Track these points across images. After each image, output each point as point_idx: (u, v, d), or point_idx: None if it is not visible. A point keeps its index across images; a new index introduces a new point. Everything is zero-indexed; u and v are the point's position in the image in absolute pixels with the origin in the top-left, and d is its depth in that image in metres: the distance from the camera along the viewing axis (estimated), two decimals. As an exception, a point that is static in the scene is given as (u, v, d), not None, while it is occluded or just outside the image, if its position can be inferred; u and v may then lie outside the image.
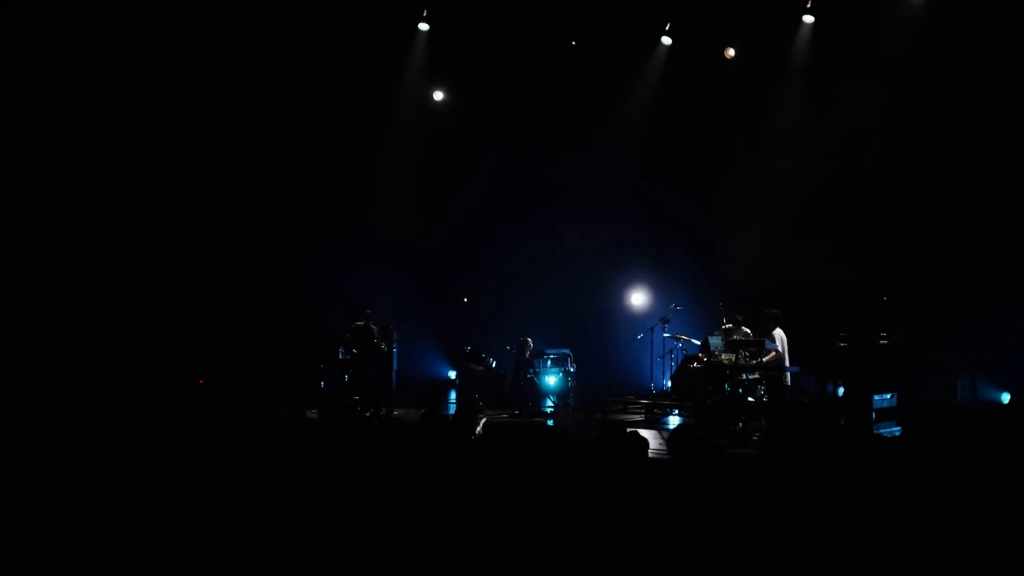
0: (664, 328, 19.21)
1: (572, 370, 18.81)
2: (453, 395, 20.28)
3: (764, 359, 15.30)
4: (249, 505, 6.70)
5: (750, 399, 15.25)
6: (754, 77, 19.48)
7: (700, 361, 16.74)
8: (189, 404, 13.83)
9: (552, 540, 5.87)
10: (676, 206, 20.27)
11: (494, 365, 19.53)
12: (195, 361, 18.31)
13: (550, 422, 17.30)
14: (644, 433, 7.26)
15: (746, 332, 16.28)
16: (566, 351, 19.05)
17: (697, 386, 16.62)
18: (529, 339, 19.05)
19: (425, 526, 6.16)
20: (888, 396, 14.01)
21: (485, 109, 20.81)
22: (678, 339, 18.71)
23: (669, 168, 20.12)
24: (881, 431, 13.39)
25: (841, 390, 14.96)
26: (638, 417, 17.64)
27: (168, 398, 15.26)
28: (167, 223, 19.63)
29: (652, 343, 19.42)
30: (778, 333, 15.66)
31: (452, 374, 21.53)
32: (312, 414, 14.17)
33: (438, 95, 21.84)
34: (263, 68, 19.28)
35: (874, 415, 13.61)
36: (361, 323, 18.34)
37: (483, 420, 13.01)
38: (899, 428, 13.90)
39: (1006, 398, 16.28)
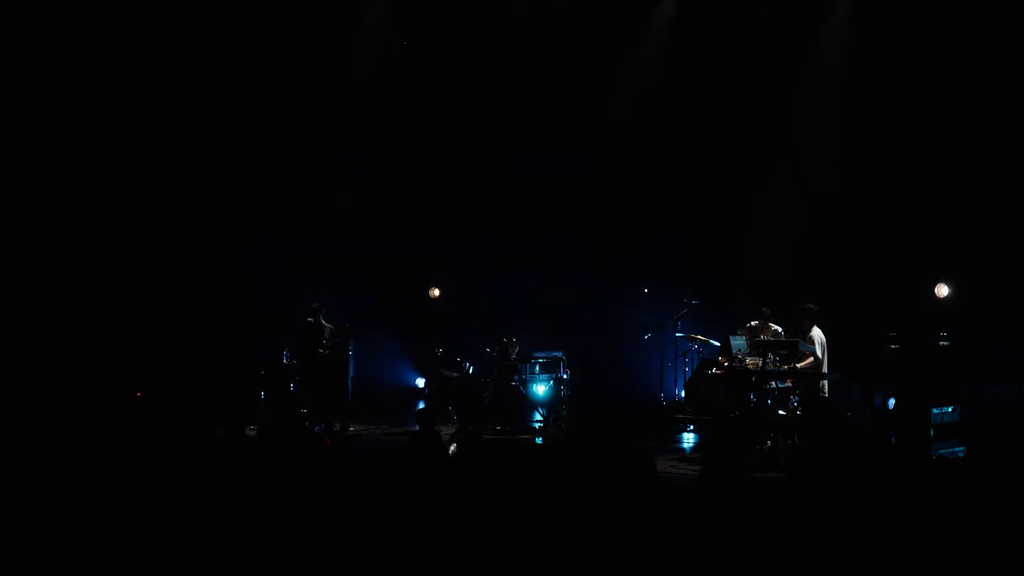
0: (677, 326, 19.17)
1: (565, 377, 18.79)
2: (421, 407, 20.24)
3: (798, 364, 15.29)
4: (179, 542, 6.67)
5: (780, 412, 15.25)
6: (784, 23, 19.41)
7: (720, 366, 16.72)
8: (121, 421, 13.81)
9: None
10: (690, 180, 20.21)
11: (472, 371, 19.47)
12: (124, 370, 18.25)
13: (539, 439, 17.28)
14: (652, 453, 7.25)
15: (776, 331, 16.26)
16: (557, 354, 19.02)
17: (716, 396, 16.62)
18: (514, 340, 19.02)
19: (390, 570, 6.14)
20: (949, 409, 13.99)
21: (462, 68, 20.73)
22: (693, 340, 18.66)
23: (681, 133, 20.06)
24: (941, 452, 13.42)
25: (892, 402, 14.96)
26: (645, 433, 17.60)
27: (89, 413, 15.29)
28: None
29: (662, 344, 19.40)
30: (815, 333, 15.65)
31: (420, 382, 21.48)
32: (251, 431, 14.14)
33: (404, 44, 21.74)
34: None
35: (932, 432, 13.59)
36: (311, 320, 18.18)
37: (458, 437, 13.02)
38: (962, 448, 13.90)
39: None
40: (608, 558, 5.89)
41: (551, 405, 18.60)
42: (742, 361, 15.73)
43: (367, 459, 8.18)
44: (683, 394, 18.57)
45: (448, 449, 12.18)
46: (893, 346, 14.76)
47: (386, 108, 21.50)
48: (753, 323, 16.51)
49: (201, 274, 19.83)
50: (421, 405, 20.21)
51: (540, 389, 18.63)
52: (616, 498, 6.55)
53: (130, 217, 19.83)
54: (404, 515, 6.65)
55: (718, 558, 5.86)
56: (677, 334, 19.09)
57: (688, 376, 18.50)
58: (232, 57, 19.99)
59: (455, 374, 19.34)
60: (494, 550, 6.09)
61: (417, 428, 12.53)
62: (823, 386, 15.38)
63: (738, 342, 16.10)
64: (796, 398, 15.30)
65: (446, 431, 14.87)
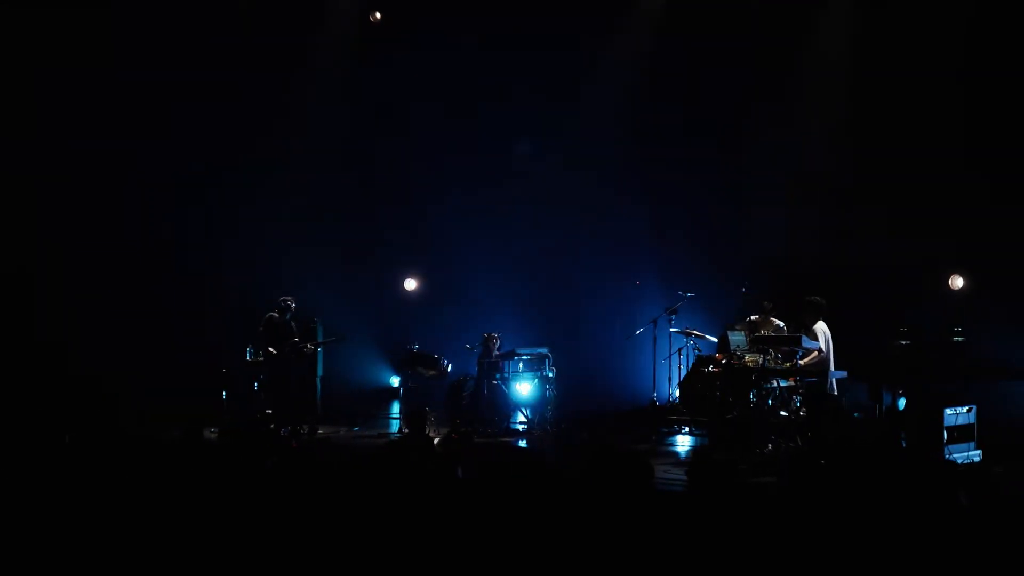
0: (670, 321, 19.13)
1: (551, 375, 18.75)
2: (396, 408, 20.19)
3: (801, 361, 15.27)
4: (129, 557, 6.63)
5: (783, 413, 15.25)
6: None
7: (717, 363, 16.71)
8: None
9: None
10: (684, 164, 20.18)
11: (450, 369, 19.39)
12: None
13: (523, 442, 17.26)
14: (645, 457, 7.22)
15: (778, 326, 16.25)
16: (543, 351, 18.98)
17: (713, 396, 16.60)
18: (496, 335, 18.97)
19: None
20: (964, 410, 14.02)
21: (441, 40, 20.67)
22: (689, 335, 18.66)
23: (675, 114, 20.04)
24: (955, 455, 13.42)
25: (902, 402, 14.97)
26: (636, 436, 17.58)
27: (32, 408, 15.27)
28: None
29: (654, 340, 19.37)
30: (820, 327, 15.60)
31: (395, 381, 21.42)
32: (211, 433, 14.09)
33: (377, 15, 21.64)
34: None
35: (946, 434, 13.61)
36: (276, 315, 18.10)
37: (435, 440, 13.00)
38: (979, 452, 13.93)
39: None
40: (602, 570, 5.86)
41: (536, 405, 18.55)
42: (741, 358, 15.71)
43: (350, 464, 8.09)
44: (677, 394, 18.55)
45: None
46: (904, 342, 14.77)
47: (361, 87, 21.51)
48: (753, 317, 16.51)
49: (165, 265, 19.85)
50: (396, 406, 20.19)
51: (524, 388, 18.57)
52: (611, 506, 6.52)
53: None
54: (393, 524, 6.62)
55: (714, 569, 5.84)
56: (671, 329, 19.05)
57: (683, 374, 18.47)
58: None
59: (432, 372, 19.21)
60: (486, 560, 6.07)
61: (400, 430, 12.51)
62: (829, 384, 15.33)
63: (737, 338, 16.08)
64: (799, 398, 15.29)
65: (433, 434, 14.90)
